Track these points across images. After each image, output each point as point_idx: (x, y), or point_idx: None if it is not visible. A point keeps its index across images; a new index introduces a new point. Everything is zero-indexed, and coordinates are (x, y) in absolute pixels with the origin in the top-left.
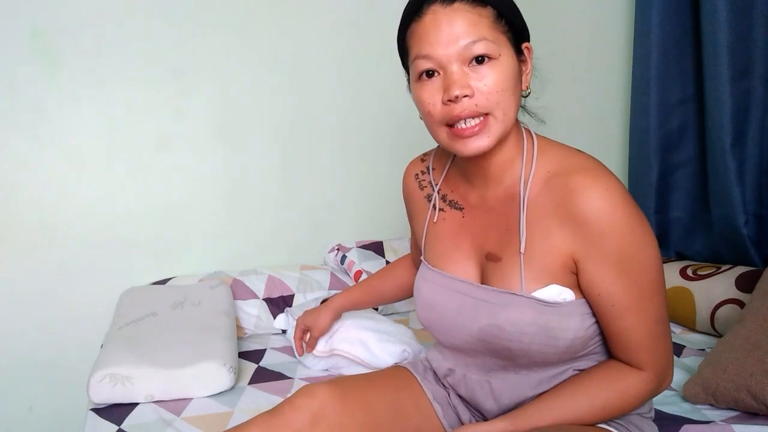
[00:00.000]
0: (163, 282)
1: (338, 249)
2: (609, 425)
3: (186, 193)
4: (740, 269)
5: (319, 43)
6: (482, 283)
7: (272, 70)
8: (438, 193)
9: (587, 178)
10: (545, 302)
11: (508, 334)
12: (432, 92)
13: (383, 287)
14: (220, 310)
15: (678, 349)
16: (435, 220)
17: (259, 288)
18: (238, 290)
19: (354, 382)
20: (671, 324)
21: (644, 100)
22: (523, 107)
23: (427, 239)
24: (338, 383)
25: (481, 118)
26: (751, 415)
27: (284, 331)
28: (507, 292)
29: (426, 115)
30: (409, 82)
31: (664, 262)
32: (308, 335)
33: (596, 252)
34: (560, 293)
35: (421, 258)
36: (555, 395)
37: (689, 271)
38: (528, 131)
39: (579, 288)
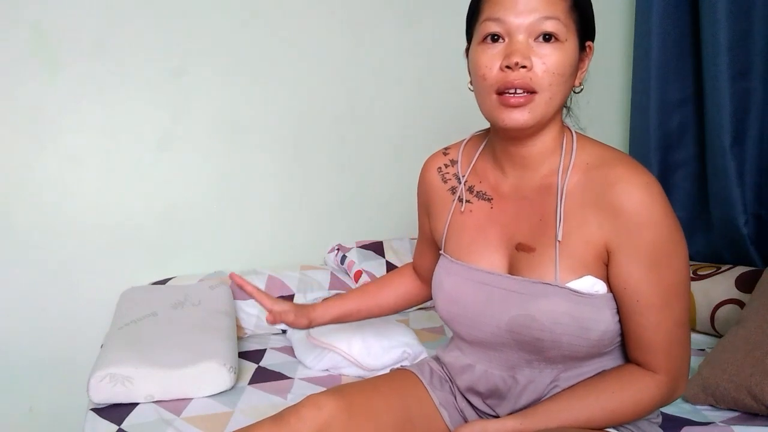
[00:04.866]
0: (163, 282)
1: (338, 249)
2: (616, 428)
3: (186, 193)
4: (740, 269)
5: (320, 43)
6: (511, 274)
7: (272, 70)
8: (464, 184)
9: (629, 171)
10: (580, 293)
11: (541, 324)
12: (491, 57)
13: (381, 296)
14: (220, 310)
15: None
16: (462, 210)
17: (259, 288)
18: (238, 290)
19: (360, 393)
20: None
21: (644, 100)
22: (568, 107)
23: (450, 232)
24: (344, 394)
25: (529, 94)
26: (751, 415)
27: (284, 331)
28: (540, 282)
29: (479, 79)
30: (467, 48)
31: None
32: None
33: (630, 244)
34: (594, 285)
35: (441, 252)
36: (567, 397)
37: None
38: (568, 127)
39: (607, 280)
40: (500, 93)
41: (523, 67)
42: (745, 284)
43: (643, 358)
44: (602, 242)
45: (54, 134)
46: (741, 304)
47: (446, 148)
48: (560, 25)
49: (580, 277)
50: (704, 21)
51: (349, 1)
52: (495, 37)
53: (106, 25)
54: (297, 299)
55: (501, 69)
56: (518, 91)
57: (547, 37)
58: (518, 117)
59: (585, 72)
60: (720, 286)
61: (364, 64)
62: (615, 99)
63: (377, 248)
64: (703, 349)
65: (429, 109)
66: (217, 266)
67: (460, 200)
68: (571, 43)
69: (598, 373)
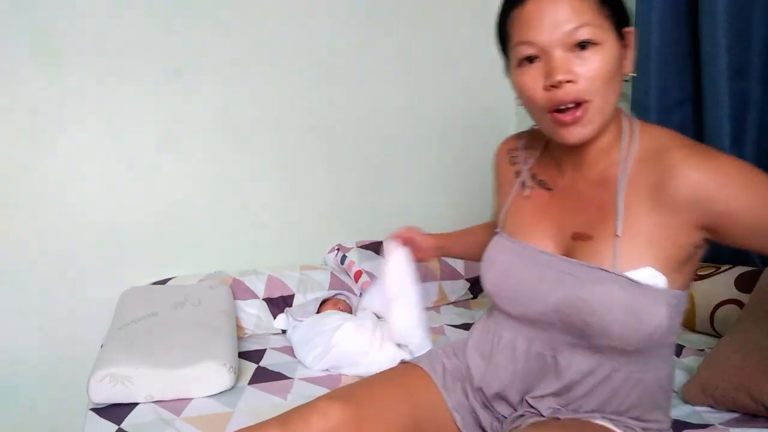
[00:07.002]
0: (163, 282)
1: (338, 249)
2: (617, 427)
3: (186, 192)
4: (740, 269)
5: (321, 43)
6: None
7: (272, 70)
8: (529, 171)
9: (684, 154)
10: (637, 283)
11: (592, 308)
12: (534, 78)
13: (479, 239)
14: (220, 310)
15: (677, 349)
16: (524, 194)
17: (259, 288)
18: (238, 290)
19: (368, 399)
20: None
21: (644, 100)
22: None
23: (509, 213)
24: (353, 401)
25: (582, 105)
26: (750, 416)
27: (284, 331)
28: (597, 267)
29: (528, 101)
30: (507, 68)
31: None
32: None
33: (714, 210)
34: (654, 277)
35: (497, 230)
36: None
37: None
38: (629, 117)
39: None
40: (552, 111)
41: (569, 81)
42: (745, 284)
43: None
44: (685, 232)
45: (54, 134)
46: (740, 304)
47: (520, 134)
48: (593, 28)
49: (639, 268)
50: (703, 21)
51: (350, 1)
52: (531, 59)
53: (106, 25)
54: (297, 299)
55: (545, 88)
56: (570, 105)
57: (584, 45)
58: (581, 131)
59: (632, 58)
60: (719, 286)
61: (365, 65)
62: None
63: (377, 248)
64: (702, 350)
65: (429, 108)
66: (217, 266)
67: (523, 184)
68: (609, 42)
69: None
